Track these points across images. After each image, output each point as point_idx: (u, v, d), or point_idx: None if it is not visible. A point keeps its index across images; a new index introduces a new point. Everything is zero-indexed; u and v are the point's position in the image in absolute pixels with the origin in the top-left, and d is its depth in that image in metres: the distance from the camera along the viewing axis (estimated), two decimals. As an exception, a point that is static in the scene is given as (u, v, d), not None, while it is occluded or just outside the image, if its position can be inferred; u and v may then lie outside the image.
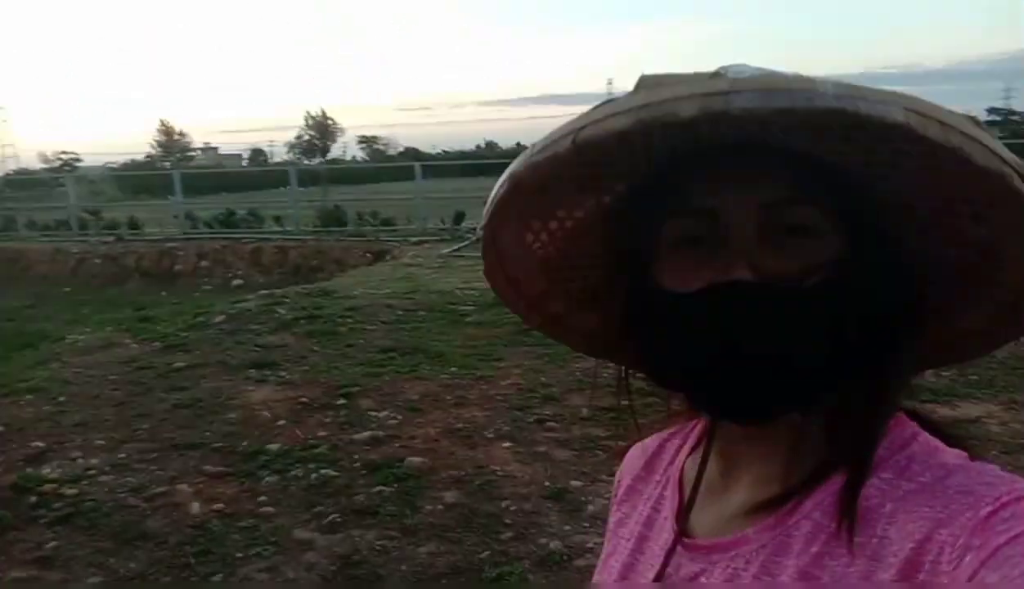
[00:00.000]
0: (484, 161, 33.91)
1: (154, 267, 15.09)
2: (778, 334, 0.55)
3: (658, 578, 0.65)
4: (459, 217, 15.88)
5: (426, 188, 18.26)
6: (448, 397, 5.36)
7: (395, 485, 4.03)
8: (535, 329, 0.73)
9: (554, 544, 3.44)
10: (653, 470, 0.76)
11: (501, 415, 5.00)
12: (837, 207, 0.57)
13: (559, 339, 0.75)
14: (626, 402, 0.73)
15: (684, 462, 0.72)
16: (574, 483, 4.01)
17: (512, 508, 3.77)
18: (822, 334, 0.56)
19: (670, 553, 0.66)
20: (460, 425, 4.83)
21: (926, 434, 0.59)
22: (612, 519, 0.78)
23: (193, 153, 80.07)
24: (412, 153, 62.10)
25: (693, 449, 0.72)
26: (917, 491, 0.54)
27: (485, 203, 0.62)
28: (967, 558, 0.47)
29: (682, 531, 0.66)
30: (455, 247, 13.12)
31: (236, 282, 13.82)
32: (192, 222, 17.10)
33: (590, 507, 3.74)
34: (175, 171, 19.17)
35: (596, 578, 0.76)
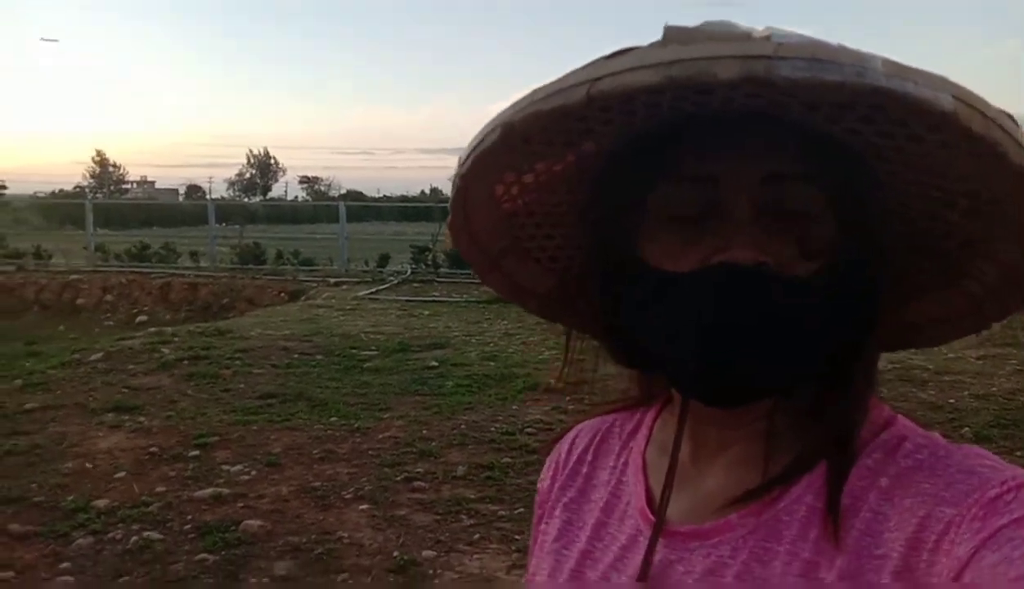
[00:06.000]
0: (423, 205, 33.75)
1: (55, 300, 14.16)
2: (772, 323, 0.52)
3: (644, 570, 0.60)
4: (383, 260, 15.56)
5: (356, 230, 17.75)
6: (315, 451, 4.90)
7: (222, 552, 3.55)
8: (494, 289, 0.69)
9: (383, 628, 3.02)
10: (601, 455, 0.72)
11: (368, 472, 4.56)
12: (839, 189, 0.54)
13: (514, 300, 0.70)
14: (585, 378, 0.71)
15: (644, 447, 0.68)
16: (426, 554, 3.58)
17: (348, 583, 3.33)
18: (815, 322, 0.53)
19: (653, 543, 0.60)
20: (318, 483, 4.38)
21: (901, 416, 0.58)
22: (564, 499, 0.71)
23: (127, 186, 77.92)
24: (354, 195, 61.56)
25: (651, 435, 0.69)
26: (914, 468, 0.53)
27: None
28: (967, 535, 0.47)
29: (661, 519, 0.62)
30: (373, 290, 12.69)
31: (141, 318, 13.08)
32: (103, 255, 16.29)
33: (435, 582, 3.33)
34: (86, 201, 18.30)
35: (537, 560, 0.70)
